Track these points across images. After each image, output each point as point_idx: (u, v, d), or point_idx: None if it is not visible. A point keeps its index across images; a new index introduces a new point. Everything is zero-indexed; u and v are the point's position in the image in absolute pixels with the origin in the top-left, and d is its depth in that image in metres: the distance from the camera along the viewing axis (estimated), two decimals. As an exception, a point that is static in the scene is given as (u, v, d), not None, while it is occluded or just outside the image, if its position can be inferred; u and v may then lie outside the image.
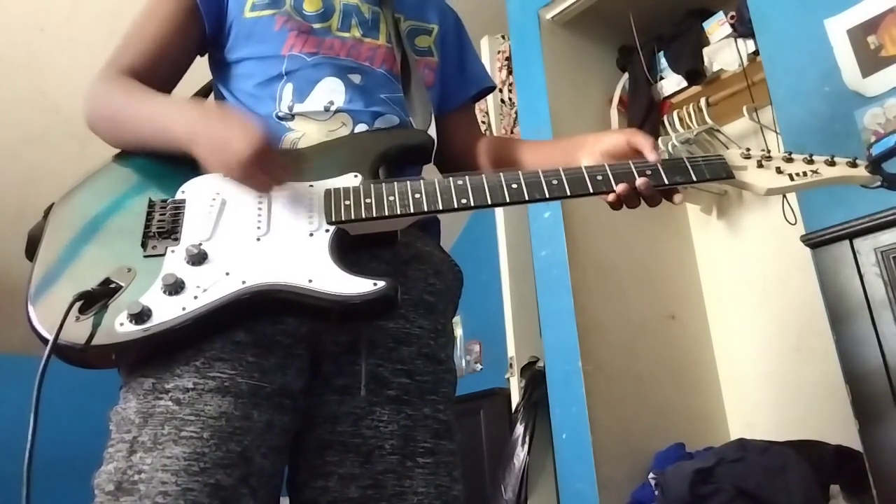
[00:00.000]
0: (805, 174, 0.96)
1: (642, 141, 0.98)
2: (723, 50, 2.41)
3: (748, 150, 1.00)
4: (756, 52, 2.19)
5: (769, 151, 0.99)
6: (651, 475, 2.05)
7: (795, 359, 2.37)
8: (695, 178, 0.96)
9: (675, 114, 2.52)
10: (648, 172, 0.95)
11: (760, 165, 0.98)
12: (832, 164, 0.97)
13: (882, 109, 1.59)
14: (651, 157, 0.96)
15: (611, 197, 0.95)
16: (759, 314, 2.51)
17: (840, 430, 1.88)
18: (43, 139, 3.15)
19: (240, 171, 0.89)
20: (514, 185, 0.93)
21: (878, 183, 0.97)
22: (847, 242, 1.44)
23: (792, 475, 1.80)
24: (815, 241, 1.49)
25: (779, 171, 0.97)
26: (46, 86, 3.00)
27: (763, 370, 2.46)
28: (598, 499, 2.01)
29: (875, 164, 0.96)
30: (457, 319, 3.99)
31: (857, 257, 1.42)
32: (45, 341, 0.80)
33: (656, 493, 1.97)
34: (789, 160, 0.98)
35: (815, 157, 0.98)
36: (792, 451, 1.88)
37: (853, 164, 0.97)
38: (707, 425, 2.44)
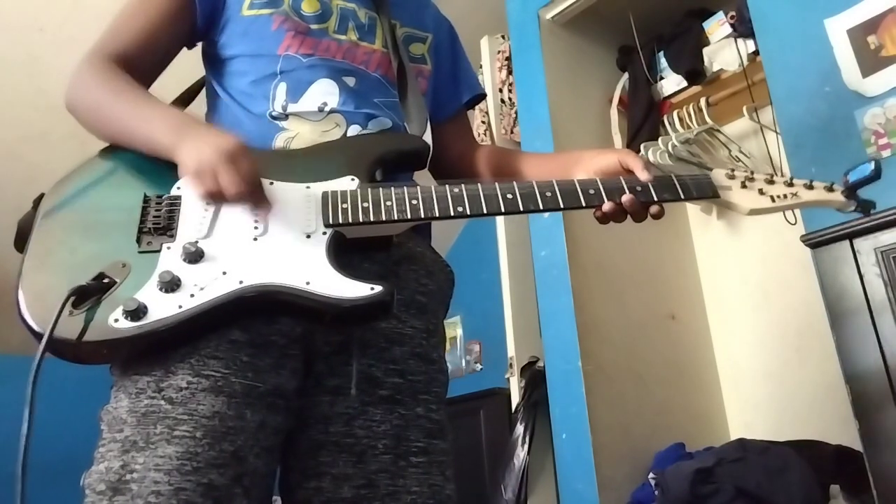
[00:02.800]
0: (785, 196, 1.00)
1: (634, 161, 1.00)
2: (723, 50, 2.41)
3: (733, 169, 1.03)
4: (756, 52, 2.19)
5: (752, 172, 1.03)
6: (651, 475, 2.05)
7: (795, 359, 2.37)
8: (682, 196, 0.99)
9: (675, 114, 2.51)
10: (638, 189, 0.98)
11: (744, 186, 1.01)
12: (810, 187, 1.01)
13: (882, 109, 1.59)
14: (642, 176, 0.98)
15: (597, 212, 0.98)
16: (759, 314, 2.51)
17: (840, 430, 1.88)
18: (43, 139, 3.14)
19: (209, 161, 0.86)
20: (510, 196, 0.94)
21: (853, 208, 1.01)
22: (847, 242, 1.44)
23: (792, 475, 1.80)
24: (815, 241, 1.49)
25: (761, 192, 1.01)
26: (46, 86, 3.00)
27: (763, 370, 2.46)
28: (598, 499, 2.00)
29: (851, 190, 1.00)
30: (457, 319, 3.99)
31: (857, 257, 1.42)
32: (37, 335, 0.79)
33: (656, 493, 1.97)
34: (771, 182, 1.02)
35: (794, 181, 1.02)
36: (792, 451, 1.88)
37: (830, 189, 1.01)
38: (707, 425, 2.44)
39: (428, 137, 1.08)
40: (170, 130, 0.93)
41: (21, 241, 0.91)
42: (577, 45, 2.67)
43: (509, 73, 2.92)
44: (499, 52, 3.05)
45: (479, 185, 0.95)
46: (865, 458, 1.39)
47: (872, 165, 0.97)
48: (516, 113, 2.80)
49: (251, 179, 0.89)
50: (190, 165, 0.89)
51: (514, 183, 0.96)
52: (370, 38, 1.11)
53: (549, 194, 0.95)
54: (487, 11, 2.91)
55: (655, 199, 0.97)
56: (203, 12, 1.06)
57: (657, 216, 0.98)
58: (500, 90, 3.01)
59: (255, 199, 0.90)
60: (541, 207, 0.95)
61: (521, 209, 0.94)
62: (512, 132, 2.93)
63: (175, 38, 1.08)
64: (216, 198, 0.89)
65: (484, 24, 3.00)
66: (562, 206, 0.95)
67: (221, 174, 0.87)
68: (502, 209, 0.94)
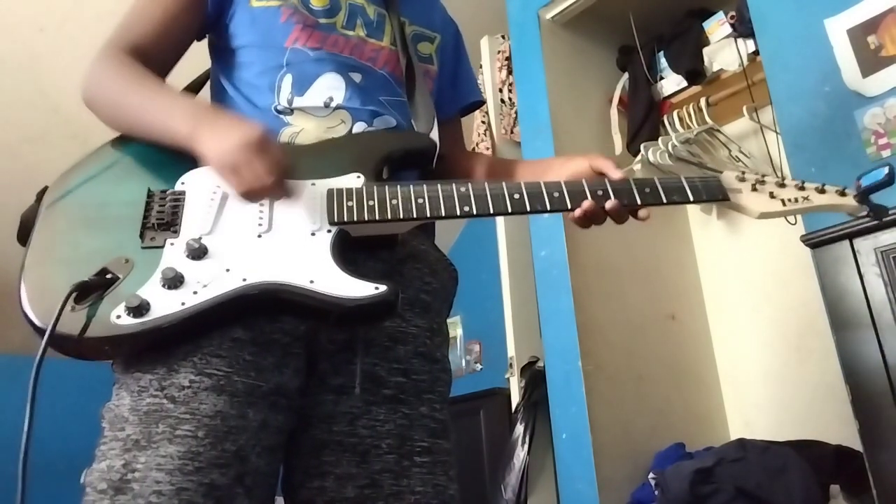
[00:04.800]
0: (796, 200, 1.00)
1: (603, 163, 1.00)
2: (723, 50, 2.41)
3: (743, 172, 1.03)
4: (756, 52, 2.19)
5: (763, 175, 1.02)
6: (651, 475, 2.05)
7: (795, 359, 2.37)
8: (692, 199, 0.99)
9: (675, 114, 2.51)
10: (647, 190, 0.97)
11: (754, 189, 1.01)
12: (822, 191, 1.00)
13: (882, 109, 1.59)
14: (613, 175, 0.98)
15: (570, 215, 0.97)
16: (759, 314, 2.51)
17: (840, 430, 1.88)
18: (43, 139, 3.15)
19: (239, 154, 0.86)
20: (517, 196, 0.94)
21: (865, 213, 1.00)
22: (847, 242, 1.44)
23: (792, 475, 1.80)
24: (816, 241, 1.49)
25: (772, 195, 1.00)
26: (46, 86, 3.00)
27: (763, 370, 2.46)
28: (598, 499, 2.00)
29: (863, 195, 0.99)
30: (457, 319, 3.99)
31: (857, 257, 1.42)
32: (39, 330, 0.79)
33: (656, 493, 1.97)
34: (782, 185, 1.01)
35: (806, 184, 1.01)
36: (792, 451, 1.88)
37: (842, 193, 1.00)
38: (707, 425, 2.44)
39: (435, 136, 1.07)
40: (187, 119, 0.93)
41: (24, 235, 0.90)
42: (577, 45, 2.67)
43: (509, 73, 2.92)
44: (499, 52, 3.05)
45: (485, 184, 0.95)
46: (865, 458, 1.39)
47: (886, 170, 0.96)
48: (516, 113, 2.80)
49: (282, 168, 0.89)
50: (215, 159, 0.89)
51: (522, 183, 0.96)
52: (378, 34, 1.11)
53: (556, 194, 0.95)
54: (487, 11, 2.91)
55: (665, 200, 0.97)
56: (213, 1, 1.06)
57: (639, 215, 0.98)
58: (500, 90, 3.01)
59: (284, 189, 0.90)
60: (548, 208, 0.95)
61: (528, 210, 0.94)
62: (512, 132, 2.93)
63: (188, 27, 1.08)
64: (256, 194, 0.89)
65: (484, 24, 3.00)
66: (569, 206, 0.95)
67: (256, 166, 0.87)
68: (509, 209, 0.94)
